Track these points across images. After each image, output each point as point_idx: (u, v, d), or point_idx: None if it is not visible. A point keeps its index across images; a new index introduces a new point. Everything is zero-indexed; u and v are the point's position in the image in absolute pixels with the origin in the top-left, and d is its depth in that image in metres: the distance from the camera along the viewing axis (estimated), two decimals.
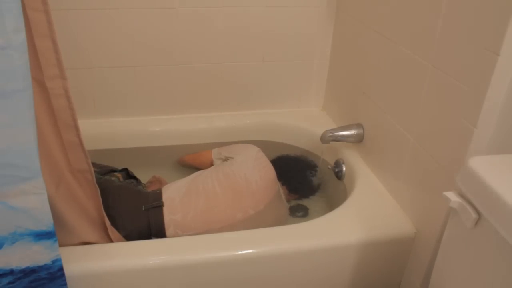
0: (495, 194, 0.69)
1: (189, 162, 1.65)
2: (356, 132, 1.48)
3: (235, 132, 1.75)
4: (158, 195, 1.27)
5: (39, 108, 0.90)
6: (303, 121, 1.77)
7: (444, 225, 0.94)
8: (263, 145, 1.47)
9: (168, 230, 1.21)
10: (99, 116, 1.67)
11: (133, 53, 1.58)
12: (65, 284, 0.99)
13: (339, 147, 1.56)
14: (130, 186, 1.32)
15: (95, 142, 1.51)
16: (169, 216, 1.22)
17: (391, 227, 1.20)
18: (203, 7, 1.55)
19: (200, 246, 1.11)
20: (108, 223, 1.12)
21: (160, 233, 1.21)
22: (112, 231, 1.13)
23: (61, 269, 0.97)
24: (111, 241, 1.13)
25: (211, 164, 1.50)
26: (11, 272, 0.93)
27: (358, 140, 1.49)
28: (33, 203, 0.87)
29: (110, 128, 1.66)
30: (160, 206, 1.23)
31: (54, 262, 0.95)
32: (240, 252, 1.10)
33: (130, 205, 1.24)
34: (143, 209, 1.22)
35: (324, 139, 1.50)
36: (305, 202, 1.59)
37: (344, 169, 1.51)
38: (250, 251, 1.11)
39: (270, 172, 1.38)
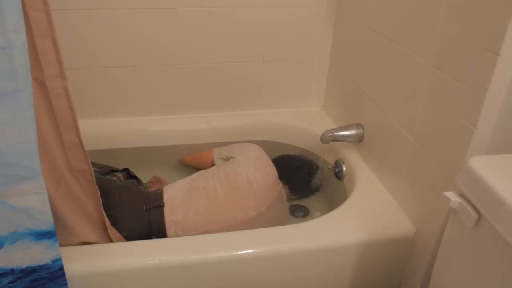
0: (495, 194, 0.69)
1: (191, 162, 1.65)
2: (356, 132, 1.48)
3: (235, 132, 1.75)
4: (159, 195, 1.27)
5: (39, 108, 0.90)
6: (303, 121, 1.77)
7: (444, 225, 0.94)
8: (263, 145, 1.46)
9: (169, 231, 1.21)
10: (99, 116, 1.67)
11: (133, 53, 1.58)
12: (66, 284, 0.99)
13: (339, 147, 1.56)
14: (131, 186, 1.32)
15: (95, 142, 1.51)
16: (169, 216, 1.22)
17: (391, 227, 1.20)
18: (203, 7, 1.55)
19: (200, 246, 1.11)
20: (108, 223, 1.12)
21: (161, 233, 1.21)
22: (112, 231, 1.13)
23: (61, 268, 0.97)
24: (111, 241, 1.13)
25: (213, 164, 1.50)
26: (12, 271, 0.93)
27: (358, 140, 1.49)
28: (33, 202, 0.87)
29: (110, 128, 1.66)
30: (161, 206, 1.23)
31: (54, 261, 0.95)
32: (240, 252, 1.10)
33: (131, 205, 1.24)
34: (144, 209, 1.22)
35: (324, 139, 1.50)
36: (305, 202, 1.59)
37: (344, 169, 1.51)
38: (250, 251, 1.11)
39: (271, 172, 1.37)
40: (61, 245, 0.97)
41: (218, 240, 1.14)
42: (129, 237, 1.18)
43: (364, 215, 1.22)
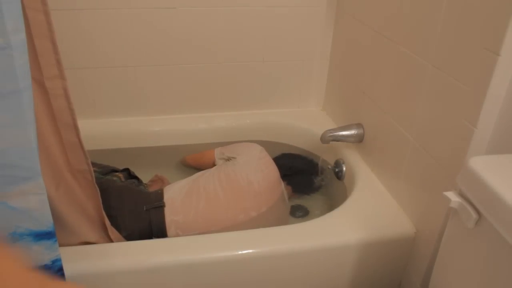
0: (495, 194, 0.69)
1: (192, 162, 1.65)
2: (356, 132, 1.48)
3: (235, 132, 1.75)
4: (159, 195, 1.27)
5: (38, 108, 0.90)
6: (303, 121, 1.77)
7: (444, 225, 0.94)
8: (263, 145, 1.46)
9: (169, 231, 1.21)
10: (99, 116, 1.67)
11: (133, 53, 1.58)
12: None
13: (339, 147, 1.56)
14: (131, 186, 1.32)
15: (95, 142, 1.51)
16: (170, 216, 1.22)
17: (391, 227, 1.20)
18: (203, 7, 1.55)
19: (200, 246, 1.11)
20: (108, 223, 1.12)
21: (161, 233, 1.21)
22: (112, 231, 1.13)
23: (61, 269, 0.97)
24: (111, 241, 1.13)
25: (214, 164, 1.49)
26: None
27: (358, 140, 1.49)
28: (33, 203, 0.87)
29: (110, 128, 1.66)
30: (162, 206, 1.23)
31: (54, 262, 0.95)
32: (240, 252, 1.10)
33: (131, 205, 1.23)
34: (144, 209, 1.22)
35: (324, 139, 1.50)
36: (305, 202, 1.59)
37: (344, 169, 1.51)
38: (250, 251, 1.11)
39: (273, 172, 1.37)
40: (61, 245, 0.97)
41: (218, 240, 1.14)
42: (129, 237, 1.18)
43: (364, 215, 1.22)
